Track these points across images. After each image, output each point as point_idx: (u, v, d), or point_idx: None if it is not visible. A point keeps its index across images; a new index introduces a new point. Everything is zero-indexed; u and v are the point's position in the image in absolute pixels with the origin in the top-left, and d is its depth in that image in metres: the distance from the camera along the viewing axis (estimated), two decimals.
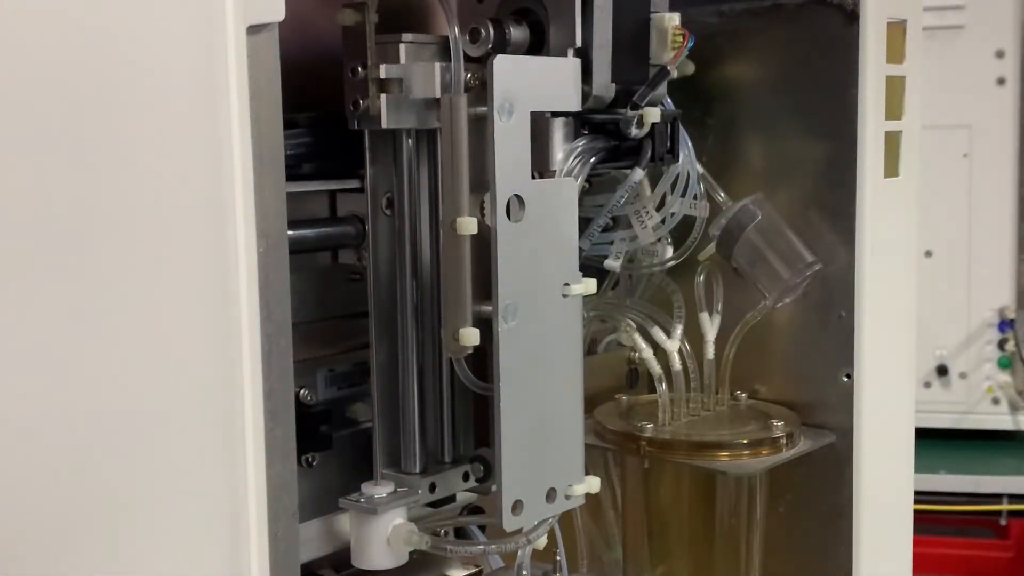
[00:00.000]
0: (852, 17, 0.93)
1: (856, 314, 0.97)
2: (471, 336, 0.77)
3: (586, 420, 0.87)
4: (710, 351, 1.01)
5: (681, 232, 0.97)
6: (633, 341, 1.01)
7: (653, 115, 0.86)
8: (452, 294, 0.78)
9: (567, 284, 0.80)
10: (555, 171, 0.83)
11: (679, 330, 1.01)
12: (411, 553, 0.83)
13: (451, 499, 0.90)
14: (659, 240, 0.97)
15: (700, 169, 0.96)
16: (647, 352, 1.00)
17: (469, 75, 0.79)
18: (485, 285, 0.77)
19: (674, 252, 0.99)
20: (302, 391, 0.86)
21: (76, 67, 0.54)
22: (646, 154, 0.88)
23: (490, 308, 0.76)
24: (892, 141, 0.97)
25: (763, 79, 1.01)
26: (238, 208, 0.60)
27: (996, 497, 2.13)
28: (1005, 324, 2.20)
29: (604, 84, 0.84)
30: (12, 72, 0.52)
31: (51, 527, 0.55)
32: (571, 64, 0.81)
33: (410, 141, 0.82)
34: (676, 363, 1.00)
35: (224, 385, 0.60)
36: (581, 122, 0.85)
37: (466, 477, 0.87)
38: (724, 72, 1.02)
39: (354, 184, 0.86)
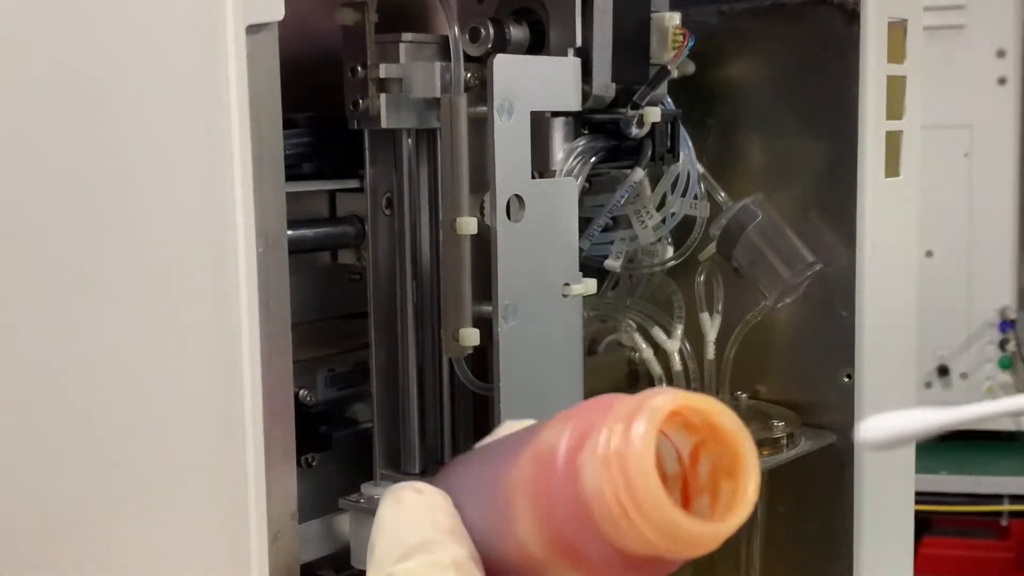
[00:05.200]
0: (852, 17, 0.93)
1: (856, 314, 0.97)
2: (471, 336, 0.77)
3: None
4: (710, 351, 1.01)
5: (681, 232, 0.97)
6: (633, 341, 1.01)
7: (653, 115, 0.86)
8: (452, 294, 0.78)
9: (567, 284, 0.80)
10: (555, 171, 0.83)
11: (679, 330, 1.00)
12: None
13: None
14: (659, 240, 0.97)
15: (700, 169, 0.96)
16: (647, 352, 1.00)
17: (469, 75, 0.79)
18: (485, 285, 0.77)
19: (674, 252, 0.99)
20: (302, 391, 0.86)
21: (75, 66, 0.54)
22: (646, 154, 0.88)
23: (490, 308, 0.76)
24: (892, 141, 0.97)
25: (763, 79, 1.01)
26: (238, 208, 0.60)
27: (997, 498, 2.13)
28: (1006, 324, 2.19)
29: (604, 84, 0.84)
30: (11, 73, 0.52)
31: (49, 526, 0.55)
32: (571, 64, 0.81)
33: (410, 141, 0.82)
34: (676, 363, 1.00)
35: (224, 385, 0.60)
36: (581, 122, 0.85)
37: None
38: (724, 72, 1.02)
39: (354, 184, 0.86)
